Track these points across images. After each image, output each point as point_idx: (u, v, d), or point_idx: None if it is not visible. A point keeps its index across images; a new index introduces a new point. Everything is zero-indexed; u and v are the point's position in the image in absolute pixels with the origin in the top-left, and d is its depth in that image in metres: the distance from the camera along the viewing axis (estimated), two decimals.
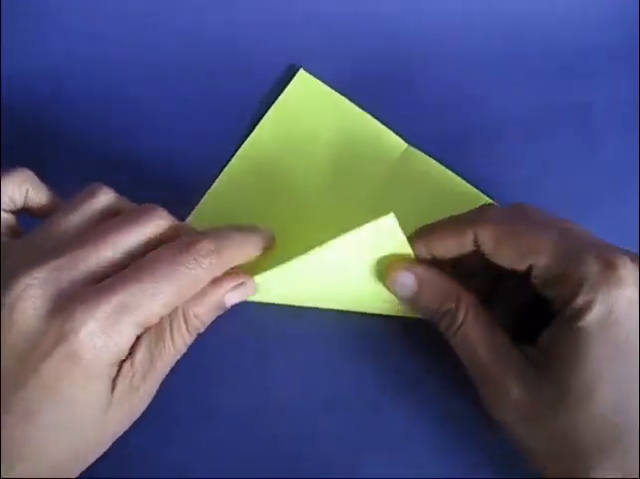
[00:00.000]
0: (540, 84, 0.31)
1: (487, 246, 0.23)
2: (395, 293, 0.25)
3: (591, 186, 0.29)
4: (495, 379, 0.22)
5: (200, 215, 0.28)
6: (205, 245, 0.21)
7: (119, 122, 0.30)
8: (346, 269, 0.25)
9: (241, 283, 0.23)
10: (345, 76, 0.30)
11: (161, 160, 0.29)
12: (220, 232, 0.23)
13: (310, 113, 0.30)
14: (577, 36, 0.31)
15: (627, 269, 0.20)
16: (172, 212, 0.27)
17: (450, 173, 0.29)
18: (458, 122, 0.30)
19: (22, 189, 0.23)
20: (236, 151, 0.29)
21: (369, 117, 0.29)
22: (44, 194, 0.24)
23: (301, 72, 0.30)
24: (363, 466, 0.25)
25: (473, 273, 0.25)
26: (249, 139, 0.29)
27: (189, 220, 0.28)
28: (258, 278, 0.24)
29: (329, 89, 0.30)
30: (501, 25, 0.31)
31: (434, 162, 0.29)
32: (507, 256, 0.23)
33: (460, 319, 0.23)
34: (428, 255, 0.25)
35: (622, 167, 0.30)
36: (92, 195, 0.23)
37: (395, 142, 0.29)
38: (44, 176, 0.24)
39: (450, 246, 0.24)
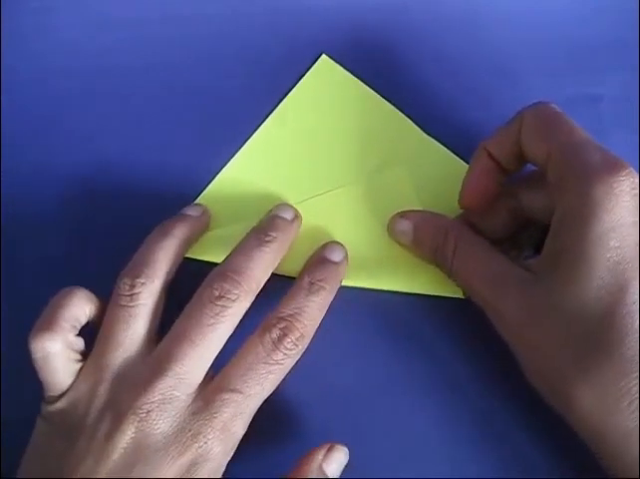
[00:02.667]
0: (550, 76, 0.31)
1: (524, 131, 0.23)
2: (398, 242, 0.27)
3: None
4: (494, 306, 0.23)
5: (213, 194, 0.29)
6: (292, 337, 0.23)
7: (127, 115, 0.30)
8: (353, 224, 0.28)
9: (329, 449, 0.23)
10: (363, 65, 0.30)
11: (175, 146, 0.30)
12: (295, 300, 0.24)
13: (330, 99, 0.30)
14: (589, 28, 0.31)
15: (628, 170, 0.21)
16: (185, 193, 0.29)
17: (465, 166, 0.28)
18: (466, 114, 0.30)
19: (85, 310, 0.24)
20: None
21: (389, 105, 0.30)
22: (98, 306, 0.24)
23: (323, 57, 0.30)
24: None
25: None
26: (266, 122, 0.30)
27: (204, 195, 0.29)
28: None
29: (351, 76, 0.30)
30: (511, 18, 0.31)
31: (451, 154, 0.29)
32: (533, 142, 0.23)
33: (450, 251, 0.24)
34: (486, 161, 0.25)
35: (632, 161, 0.29)
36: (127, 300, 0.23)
37: (414, 132, 0.29)
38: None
39: (501, 142, 0.24)
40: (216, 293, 0.23)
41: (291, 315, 0.23)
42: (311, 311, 0.24)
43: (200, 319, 0.22)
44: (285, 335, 0.23)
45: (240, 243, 0.25)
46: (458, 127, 0.30)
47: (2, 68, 0.30)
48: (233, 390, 0.22)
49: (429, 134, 0.29)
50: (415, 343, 0.27)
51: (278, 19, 0.31)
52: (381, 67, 0.30)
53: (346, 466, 0.23)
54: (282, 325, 0.23)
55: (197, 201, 0.29)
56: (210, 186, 0.29)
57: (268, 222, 0.26)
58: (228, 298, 0.23)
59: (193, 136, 0.30)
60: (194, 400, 0.22)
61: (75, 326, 0.23)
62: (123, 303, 0.23)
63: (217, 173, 0.29)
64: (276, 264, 0.25)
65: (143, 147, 0.30)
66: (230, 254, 0.24)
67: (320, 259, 0.26)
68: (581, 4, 0.31)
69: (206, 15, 0.31)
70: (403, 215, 0.27)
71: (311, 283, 0.24)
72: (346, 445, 0.23)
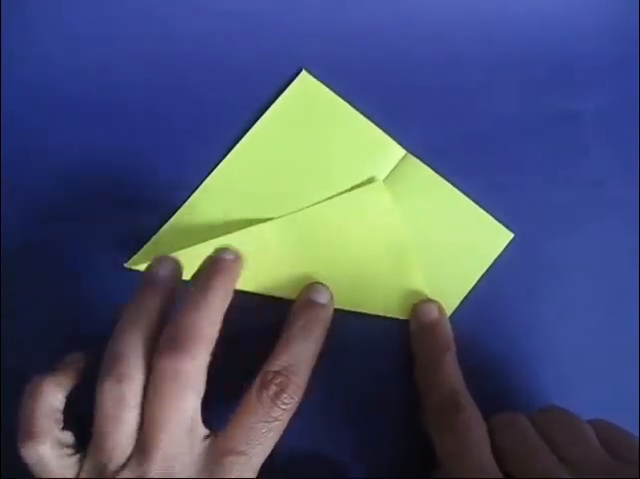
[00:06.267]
0: (531, 91, 0.31)
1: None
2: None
3: (578, 196, 0.30)
4: None
5: (190, 209, 0.29)
6: (289, 391, 0.23)
7: (112, 122, 0.30)
8: (332, 240, 0.28)
9: None
10: (344, 81, 0.30)
11: (158, 160, 0.30)
12: (288, 353, 0.24)
13: (309, 115, 0.30)
14: (569, 42, 0.31)
15: None
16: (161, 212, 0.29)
17: (444, 182, 0.29)
18: (445, 129, 0.30)
19: (59, 397, 0.24)
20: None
21: (369, 122, 0.30)
22: (71, 381, 0.25)
23: (303, 73, 0.30)
24: None
25: None
26: (244, 139, 0.30)
27: (182, 210, 0.29)
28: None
29: (330, 92, 0.30)
30: (490, 33, 0.31)
31: (430, 171, 0.29)
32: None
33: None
34: None
35: (611, 177, 0.30)
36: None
37: (393, 149, 0.30)
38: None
39: None
40: (171, 364, 0.22)
41: (286, 368, 0.24)
42: (306, 360, 0.24)
43: (166, 396, 0.22)
44: (282, 391, 0.23)
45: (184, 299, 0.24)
46: (437, 142, 0.30)
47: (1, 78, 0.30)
48: (237, 453, 0.22)
49: (408, 150, 0.30)
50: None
51: (259, 36, 0.30)
52: (360, 84, 0.30)
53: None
54: (278, 381, 0.23)
55: (177, 214, 0.29)
56: (189, 201, 0.29)
57: (209, 265, 0.25)
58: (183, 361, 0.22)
59: (171, 152, 0.30)
60: (202, 467, 0.22)
61: (57, 419, 0.23)
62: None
63: (196, 188, 0.29)
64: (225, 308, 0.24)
65: (116, 162, 0.30)
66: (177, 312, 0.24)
67: (308, 304, 0.26)
68: (560, 19, 0.31)
69: (183, 31, 0.31)
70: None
71: (304, 328, 0.25)
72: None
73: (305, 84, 0.30)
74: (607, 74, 0.31)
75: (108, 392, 0.22)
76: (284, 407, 0.23)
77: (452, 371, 0.26)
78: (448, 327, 0.27)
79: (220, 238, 0.28)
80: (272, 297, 0.29)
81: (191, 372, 0.22)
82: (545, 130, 0.30)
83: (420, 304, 0.28)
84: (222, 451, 0.22)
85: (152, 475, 0.21)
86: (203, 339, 0.23)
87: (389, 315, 0.29)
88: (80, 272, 0.29)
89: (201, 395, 0.23)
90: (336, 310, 0.28)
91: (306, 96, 0.30)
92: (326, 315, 0.26)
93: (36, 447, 0.22)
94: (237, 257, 0.25)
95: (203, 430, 0.23)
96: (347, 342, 0.28)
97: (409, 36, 0.31)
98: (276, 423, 0.23)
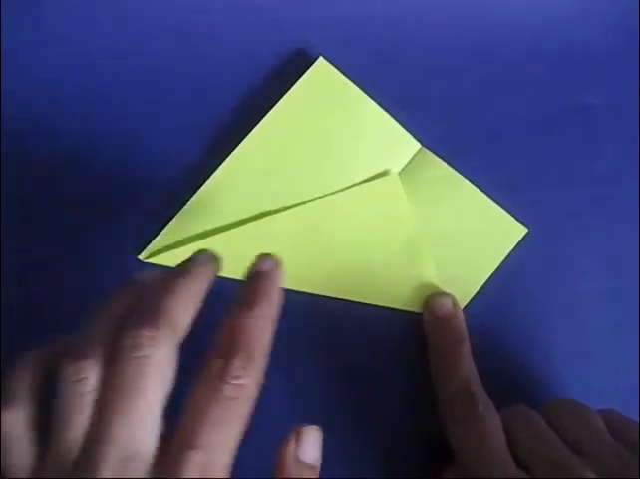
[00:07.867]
0: (540, 87, 0.30)
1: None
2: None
3: (593, 191, 0.30)
4: None
5: (203, 197, 0.28)
6: (236, 362, 0.19)
7: (124, 122, 0.29)
8: (344, 231, 0.28)
9: (299, 436, 0.20)
10: (361, 75, 0.30)
11: (171, 149, 0.29)
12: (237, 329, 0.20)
13: (325, 103, 0.29)
14: (578, 36, 0.31)
15: None
16: (173, 202, 0.28)
17: (458, 176, 0.29)
18: (458, 125, 0.30)
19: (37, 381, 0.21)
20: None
21: (385, 113, 0.29)
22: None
23: (320, 60, 0.29)
24: None
25: None
26: (258, 127, 0.29)
27: (193, 200, 0.28)
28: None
29: (347, 80, 0.29)
30: (499, 30, 0.31)
31: (445, 165, 0.29)
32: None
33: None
34: None
35: (623, 170, 0.30)
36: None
37: (409, 142, 0.29)
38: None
39: None
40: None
41: (229, 339, 0.20)
42: (252, 328, 0.20)
43: (126, 380, 0.19)
44: (229, 364, 0.19)
45: None
46: (452, 137, 0.30)
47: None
48: (194, 448, 0.18)
49: (422, 143, 0.29)
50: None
51: (279, 24, 0.30)
52: (377, 78, 0.29)
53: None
54: (221, 354, 0.19)
55: (189, 204, 0.28)
56: (201, 190, 0.28)
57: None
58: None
59: (187, 139, 0.29)
60: (157, 470, 0.18)
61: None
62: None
63: (209, 176, 0.29)
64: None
65: (131, 154, 0.29)
66: None
67: (250, 274, 0.22)
68: (575, 11, 0.31)
69: (204, 23, 0.30)
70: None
71: (246, 301, 0.21)
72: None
73: (322, 70, 0.29)
74: (619, 67, 0.31)
75: (66, 370, 0.19)
76: (236, 382, 0.19)
77: (466, 363, 0.26)
78: (462, 320, 0.28)
79: (232, 230, 0.28)
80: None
81: (157, 356, 0.19)
82: (559, 125, 0.30)
83: (433, 298, 0.28)
84: (176, 449, 0.18)
85: (102, 476, 0.18)
86: (172, 321, 0.20)
87: (401, 308, 0.29)
88: (88, 265, 0.28)
89: (167, 386, 0.19)
90: (347, 302, 0.28)
91: (323, 83, 0.29)
92: (271, 282, 0.22)
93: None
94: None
95: (161, 426, 0.19)
96: (358, 335, 0.28)
97: (428, 32, 0.30)
98: (232, 403, 0.19)
